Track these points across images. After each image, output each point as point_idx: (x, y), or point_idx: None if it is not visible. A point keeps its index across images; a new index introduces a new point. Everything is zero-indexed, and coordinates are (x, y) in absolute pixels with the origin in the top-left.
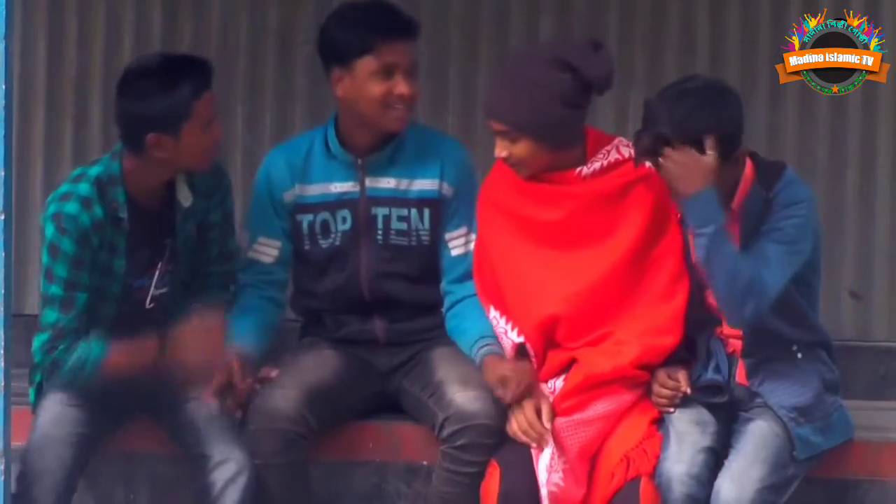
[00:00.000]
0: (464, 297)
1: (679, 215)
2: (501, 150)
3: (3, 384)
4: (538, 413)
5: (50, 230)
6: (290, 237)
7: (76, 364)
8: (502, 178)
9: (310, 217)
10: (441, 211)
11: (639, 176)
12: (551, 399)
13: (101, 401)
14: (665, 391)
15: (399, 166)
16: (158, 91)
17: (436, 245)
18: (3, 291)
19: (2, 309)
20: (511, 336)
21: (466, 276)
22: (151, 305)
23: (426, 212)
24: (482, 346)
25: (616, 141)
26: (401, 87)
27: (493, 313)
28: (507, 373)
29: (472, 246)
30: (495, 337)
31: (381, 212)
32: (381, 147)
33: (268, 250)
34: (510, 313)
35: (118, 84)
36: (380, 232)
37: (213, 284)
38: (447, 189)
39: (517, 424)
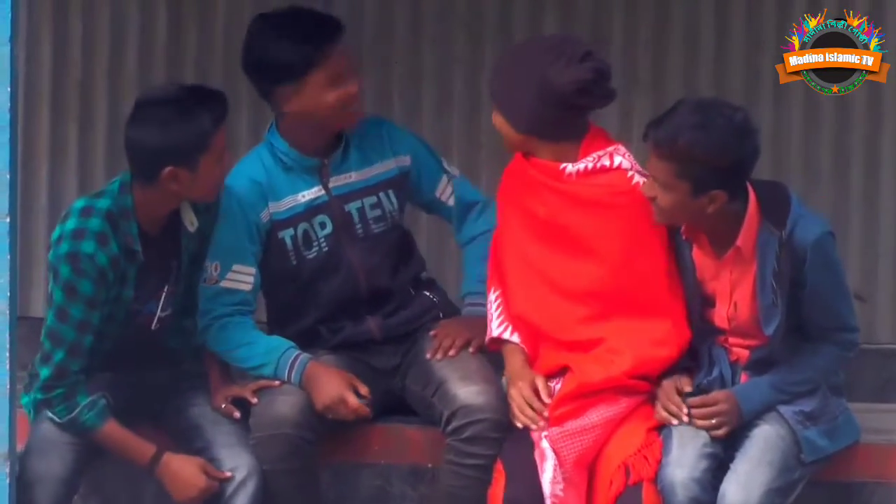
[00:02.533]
0: (475, 236)
1: (668, 230)
2: (493, 119)
3: (8, 387)
4: (536, 392)
5: (66, 271)
6: (260, 263)
7: (67, 422)
8: (517, 169)
9: (290, 231)
10: (402, 185)
11: (625, 189)
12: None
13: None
14: (671, 407)
15: (352, 158)
16: (179, 122)
17: (401, 220)
18: (8, 294)
19: (7, 312)
20: (492, 326)
21: (470, 209)
22: (157, 327)
23: (391, 193)
24: (467, 305)
25: (612, 148)
26: (351, 87)
27: (492, 296)
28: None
29: (458, 186)
30: (482, 293)
31: (353, 206)
32: (336, 145)
33: (245, 278)
34: (508, 296)
35: (131, 113)
36: (359, 226)
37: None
38: (404, 160)
39: (515, 404)
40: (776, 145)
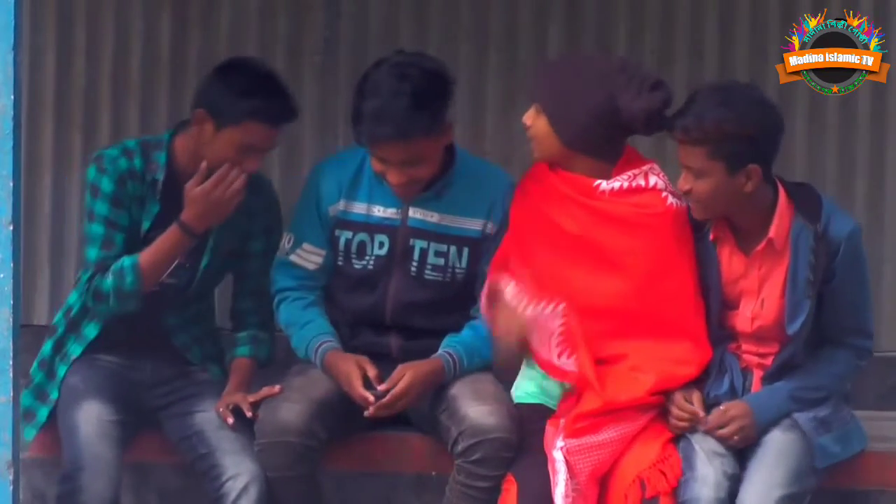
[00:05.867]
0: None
1: (695, 240)
2: (527, 118)
3: (11, 395)
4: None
5: (91, 172)
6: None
7: (116, 278)
8: (538, 178)
9: (348, 234)
10: (480, 249)
11: (659, 210)
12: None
13: (125, 408)
14: (684, 415)
15: (446, 201)
16: (239, 86)
17: (468, 279)
18: (11, 302)
19: (10, 320)
20: (553, 356)
21: None
22: (156, 290)
23: (465, 250)
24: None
25: (647, 167)
26: (391, 176)
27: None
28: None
29: None
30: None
31: (419, 244)
32: (430, 183)
33: (312, 258)
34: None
35: (224, 61)
36: (415, 264)
37: (249, 323)
38: (491, 227)
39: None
40: (782, 153)
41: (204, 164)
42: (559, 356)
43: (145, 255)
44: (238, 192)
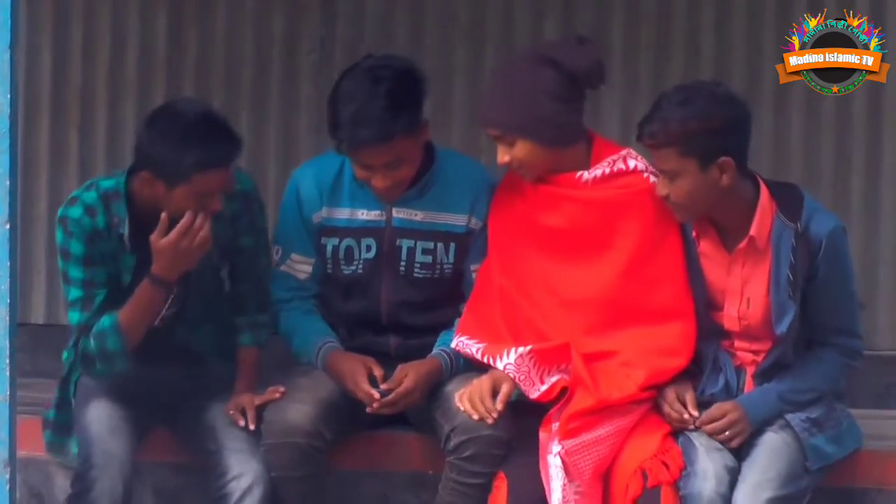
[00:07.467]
0: None
1: (681, 228)
2: (502, 156)
3: (8, 393)
4: (495, 392)
5: (59, 235)
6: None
7: (98, 341)
8: (514, 184)
9: (335, 241)
10: (467, 244)
11: (644, 188)
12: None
13: (139, 405)
14: (674, 415)
15: (428, 199)
16: (174, 143)
17: (458, 274)
18: (8, 301)
19: (7, 318)
20: (537, 387)
21: None
22: (161, 324)
23: (452, 246)
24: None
25: (624, 152)
26: (376, 181)
27: (469, 341)
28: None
29: None
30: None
31: (405, 244)
32: (411, 182)
33: (302, 267)
34: (507, 327)
35: (152, 112)
36: (403, 263)
37: (248, 306)
38: (475, 223)
39: (470, 390)
40: (777, 149)
41: (164, 216)
42: (542, 380)
43: (124, 314)
44: (206, 240)
